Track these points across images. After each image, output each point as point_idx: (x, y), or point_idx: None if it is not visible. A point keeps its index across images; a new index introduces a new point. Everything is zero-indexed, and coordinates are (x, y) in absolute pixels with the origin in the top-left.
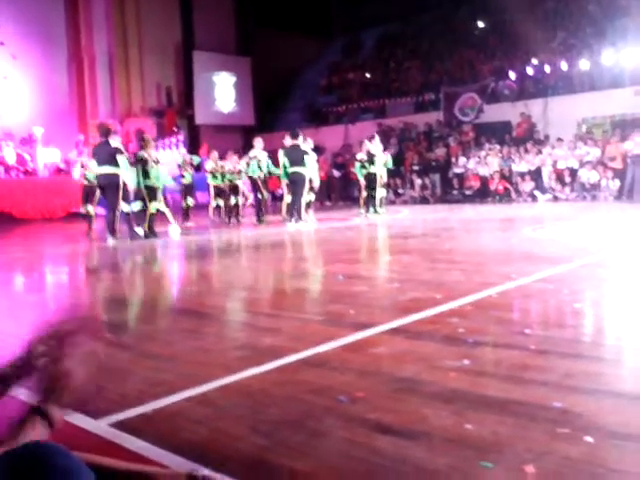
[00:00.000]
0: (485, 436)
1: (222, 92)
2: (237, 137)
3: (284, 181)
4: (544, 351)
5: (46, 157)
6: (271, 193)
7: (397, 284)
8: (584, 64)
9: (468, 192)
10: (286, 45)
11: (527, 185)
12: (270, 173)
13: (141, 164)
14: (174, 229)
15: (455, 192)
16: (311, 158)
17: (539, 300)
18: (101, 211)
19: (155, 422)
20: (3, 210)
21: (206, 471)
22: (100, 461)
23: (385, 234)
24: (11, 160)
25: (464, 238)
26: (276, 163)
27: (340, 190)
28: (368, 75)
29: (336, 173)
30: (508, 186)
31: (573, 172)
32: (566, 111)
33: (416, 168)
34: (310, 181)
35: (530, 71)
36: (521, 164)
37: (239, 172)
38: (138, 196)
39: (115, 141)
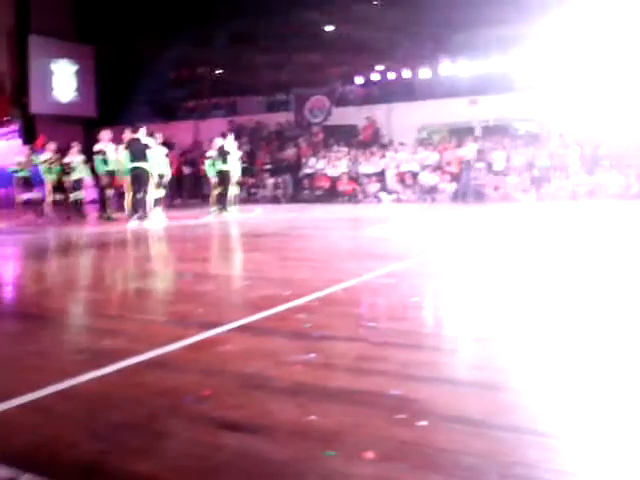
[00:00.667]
0: (328, 426)
1: (61, 81)
2: (78, 129)
3: (125, 177)
4: (384, 343)
5: None
6: (117, 189)
7: (247, 282)
8: (425, 73)
9: (318, 192)
10: (133, 35)
11: (373, 186)
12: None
13: None
14: None
15: (306, 192)
16: (156, 152)
17: (381, 295)
18: None
19: None
20: None
21: (26, 477)
22: None
23: (236, 233)
24: None
25: (314, 237)
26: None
27: (190, 187)
28: (219, 71)
29: (186, 170)
30: (356, 187)
31: (414, 175)
32: (408, 117)
33: (268, 167)
34: (160, 177)
35: (375, 77)
36: (367, 166)
37: (82, 167)
38: None
39: None
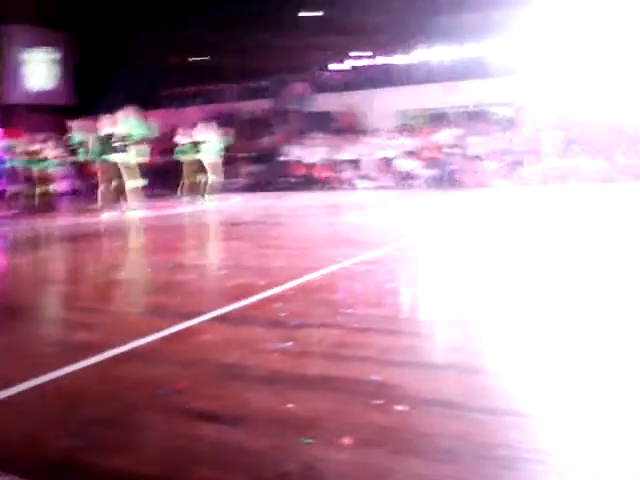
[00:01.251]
0: (306, 413)
1: (38, 70)
2: (56, 119)
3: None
4: (364, 329)
5: None
6: (91, 179)
7: (224, 271)
8: (402, 59)
9: (294, 180)
10: (111, 22)
11: (349, 173)
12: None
13: None
14: None
15: (282, 180)
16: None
17: (359, 281)
18: None
19: None
20: None
21: None
22: None
23: (213, 221)
24: None
25: (291, 224)
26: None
27: (168, 177)
28: (195, 59)
29: (163, 159)
30: (332, 174)
31: (391, 161)
32: (386, 103)
33: (244, 155)
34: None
35: (353, 63)
36: (344, 153)
37: (56, 157)
38: None
39: None
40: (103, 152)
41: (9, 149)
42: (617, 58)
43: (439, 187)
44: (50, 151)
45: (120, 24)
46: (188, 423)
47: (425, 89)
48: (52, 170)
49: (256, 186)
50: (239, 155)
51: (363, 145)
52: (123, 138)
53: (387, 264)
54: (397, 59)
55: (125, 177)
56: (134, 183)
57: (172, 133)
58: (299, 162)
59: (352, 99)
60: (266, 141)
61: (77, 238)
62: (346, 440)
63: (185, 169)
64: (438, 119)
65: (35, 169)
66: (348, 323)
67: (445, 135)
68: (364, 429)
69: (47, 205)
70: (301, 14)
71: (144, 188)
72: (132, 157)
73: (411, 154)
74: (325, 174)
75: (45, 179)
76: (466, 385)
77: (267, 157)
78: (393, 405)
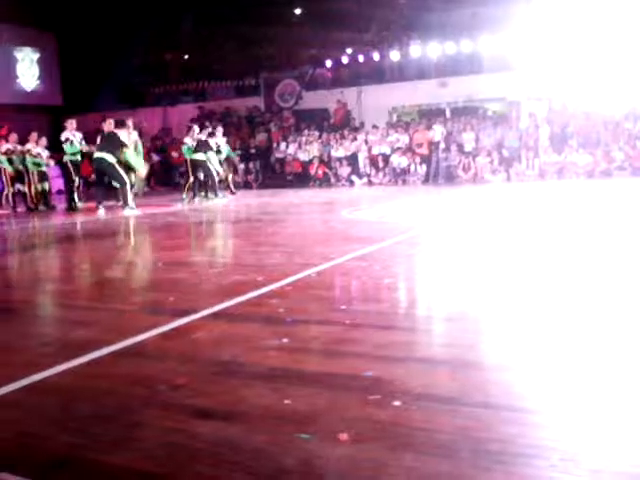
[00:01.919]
0: (302, 410)
1: (24, 69)
2: (44, 118)
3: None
4: (358, 325)
5: None
6: (83, 178)
7: (220, 268)
8: (394, 55)
9: (289, 177)
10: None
11: (344, 170)
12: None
13: None
14: None
15: (277, 177)
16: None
17: (355, 278)
18: None
19: None
20: None
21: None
22: None
23: (209, 219)
24: None
25: (286, 222)
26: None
27: (160, 175)
28: (186, 56)
29: (155, 157)
30: (327, 171)
31: (386, 158)
32: (378, 100)
33: (239, 153)
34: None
35: (345, 60)
36: (339, 150)
37: (49, 157)
38: None
39: None
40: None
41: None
42: (612, 51)
43: (434, 183)
44: (41, 150)
45: (105, 22)
46: (185, 420)
47: (418, 85)
48: (44, 169)
49: (250, 184)
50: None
51: (358, 142)
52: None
53: (383, 260)
54: (389, 55)
55: (123, 176)
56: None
57: (163, 131)
58: (294, 159)
59: (343, 96)
60: (260, 139)
61: (72, 237)
62: (343, 436)
63: (191, 167)
64: (431, 115)
65: (30, 168)
66: (344, 319)
67: (436, 131)
68: (361, 424)
69: (45, 203)
70: (294, 11)
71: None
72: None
73: (405, 150)
74: (321, 171)
75: (40, 178)
76: (460, 380)
77: (262, 155)
78: (389, 400)
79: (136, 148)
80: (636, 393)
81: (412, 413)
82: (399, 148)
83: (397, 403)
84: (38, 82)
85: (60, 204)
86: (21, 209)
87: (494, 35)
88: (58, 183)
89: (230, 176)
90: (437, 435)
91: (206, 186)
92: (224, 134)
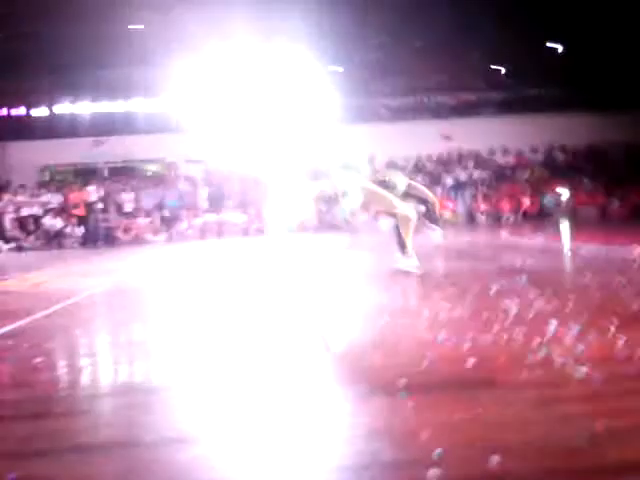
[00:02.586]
0: None
1: None
2: None
3: None
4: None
5: None
6: None
7: None
8: (43, 111)
9: None
10: None
11: None
12: None
13: None
14: None
15: None
16: None
17: None
18: None
19: None
20: None
21: None
22: None
23: None
24: None
25: None
26: None
27: None
28: None
29: None
30: None
31: (37, 219)
32: (27, 157)
33: None
34: None
35: None
36: None
37: None
38: None
39: None
40: None
41: None
42: (259, 113)
43: (93, 245)
44: None
45: None
46: None
47: (70, 143)
48: None
49: None
50: None
51: (4, 202)
52: None
53: (34, 335)
54: (37, 111)
55: None
56: None
57: None
58: None
59: None
60: None
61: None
62: None
63: None
64: (87, 174)
65: None
66: None
67: (94, 191)
68: None
69: None
70: None
71: None
72: None
73: (60, 211)
74: None
75: None
76: (120, 463)
77: None
78: None
79: None
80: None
81: None
82: (53, 209)
83: None
84: None
85: None
86: None
87: (149, 97)
88: None
89: None
90: None
91: None
92: None
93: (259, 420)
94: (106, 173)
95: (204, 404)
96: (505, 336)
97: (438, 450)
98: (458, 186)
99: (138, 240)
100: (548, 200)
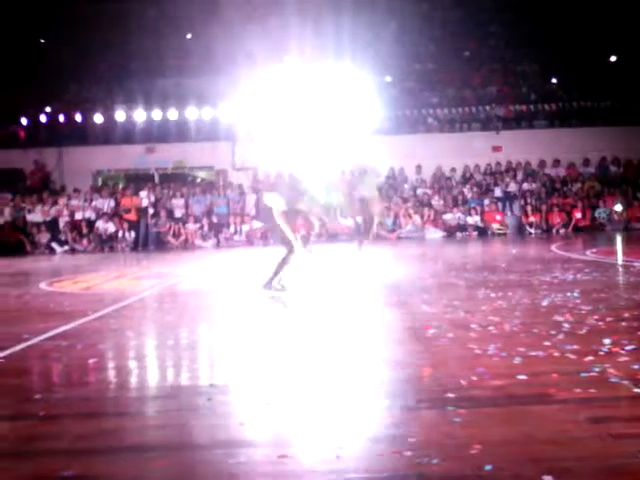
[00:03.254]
0: None
1: None
2: None
3: None
4: (56, 416)
5: None
6: None
7: None
8: (98, 118)
9: None
10: None
11: (43, 236)
12: None
13: None
14: None
15: None
16: None
17: (52, 360)
18: None
19: None
20: None
21: None
22: None
23: None
24: None
25: None
26: None
27: None
28: None
29: None
30: (22, 237)
31: (90, 223)
32: (81, 162)
33: None
34: None
35: (43, 119)
36: (36, 214)
37: None
38: None
39: None
40: None
41: None
42: (309, 123)
43: (143, 250)
44: None
45: None
46: None
47: (124, 149)
48: None
49: None
50: None
51: (59, 206)
52: None
53: (87, 337)
54: (93, 117)
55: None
56: None
57: None
58: None
59: (42, 156)
60: None
61: None
62: None
63: None
64: (139, 180)
65: None
66: (36, 411)
67: (146, 197)
68: None
69: None
70: None
71: None
72: None
73: (112, 216)
74: (15, 237)
75: None
76: (176, 467)
77: None
78: None
79: None
80: None
81: None
82: (105, 213)
83: None
84: None
85: None
86: None
87: (201, 106)
88: None
89: None
90: None
91: None
92: None
93: (309, 428)
94: (157, 179)
95: (254, 408)
96: (557, 352)
97: (488, 466)
98: (507, 198)
99: (187, 245)
100: (600, 214)
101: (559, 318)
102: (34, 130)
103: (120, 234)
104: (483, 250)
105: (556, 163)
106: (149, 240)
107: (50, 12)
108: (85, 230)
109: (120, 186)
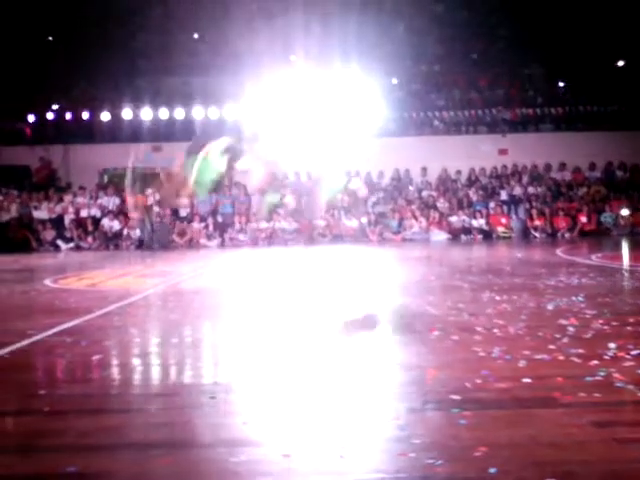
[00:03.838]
0: None
1: None
2: None
3: None
4: (59, 412)
5: None
6: None
7: None
8: (105, 116)
9: None
10: None
11: (49, 233)
12: None
13: None
14: None
15: None
16: None
17: (56, 356)
18: None
19: None
20: None
21: None
22: None
23: None
24: None
25: None
26: None
27: None
28: None
29: None
30: (28, 234)
31: (95, 221)
32: (88, 160)
33: None
34: None
35: (50, 116)
36: (42, 211)
37: None
38: None
39: None
40: None
41: None
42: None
43: (149, 248)
44: None
45: None
46: None
47: (130, 147)
48: None
49: None
50: None
51: (65, 203)
52: None
53: (91, 334)
54: (100, 115)
55: None
56: None
57: None
58: None
59: (48, 154)
60: None
61: None
62: None
63: None
64: (144, 178)
65: None
66: (44, 406)
67: (151, 195)
68: None
69: None
70: None
71: None
72: None
73: (117, 214)
74: (21, 234)
75: None
76: (178, 464)
77: None
78: None
79: None
80: None
81: None
82: (110, 211)
83: None
84: None
85: None
86: None
87: (207, 105)
88: None
89: None
90: None
91: None
92: None
93: (313, 427)
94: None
95: (258, 406)
96: (562, 356)
97: (493, 469)
98: (512, 201)
99: (192, 244)
100: (606, 218)
101: (564, 322)
102: (41, 127)
103: (125, 232)
104: (488, 253)
105: (562, 167)
106: (154, 238)
107: (58, 10)
108: (90, 228)
109: (127, 184)
